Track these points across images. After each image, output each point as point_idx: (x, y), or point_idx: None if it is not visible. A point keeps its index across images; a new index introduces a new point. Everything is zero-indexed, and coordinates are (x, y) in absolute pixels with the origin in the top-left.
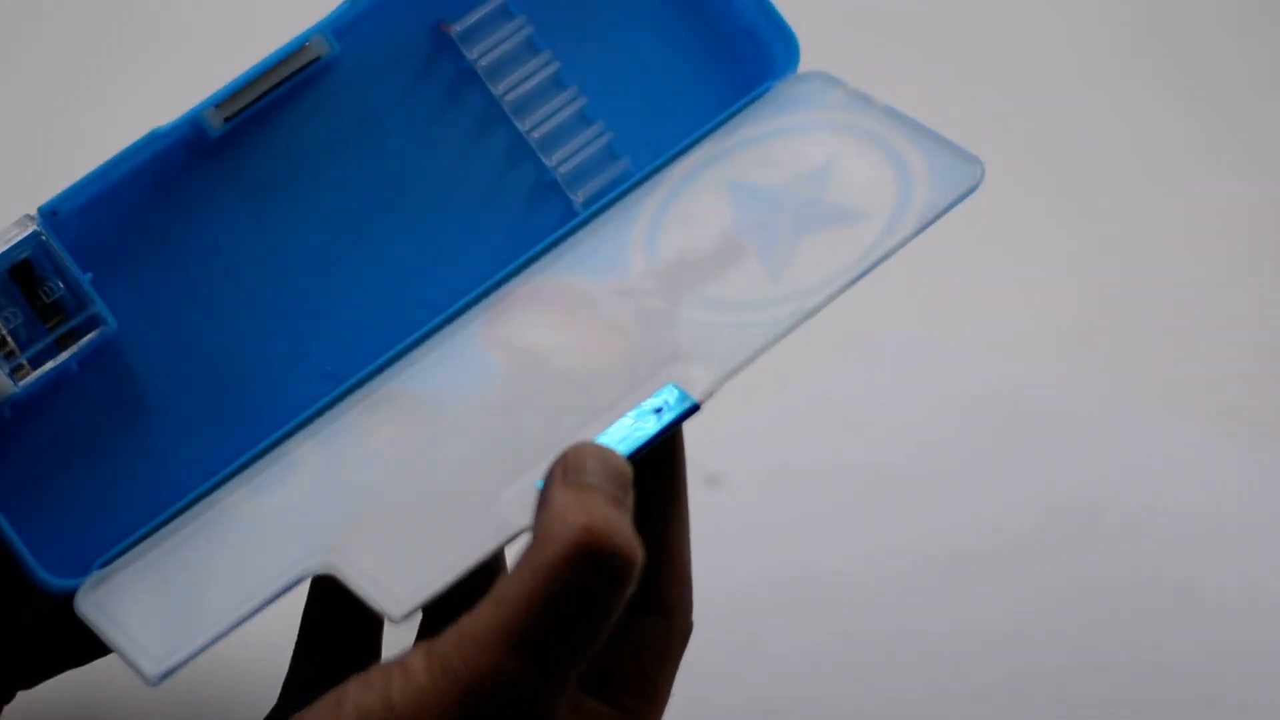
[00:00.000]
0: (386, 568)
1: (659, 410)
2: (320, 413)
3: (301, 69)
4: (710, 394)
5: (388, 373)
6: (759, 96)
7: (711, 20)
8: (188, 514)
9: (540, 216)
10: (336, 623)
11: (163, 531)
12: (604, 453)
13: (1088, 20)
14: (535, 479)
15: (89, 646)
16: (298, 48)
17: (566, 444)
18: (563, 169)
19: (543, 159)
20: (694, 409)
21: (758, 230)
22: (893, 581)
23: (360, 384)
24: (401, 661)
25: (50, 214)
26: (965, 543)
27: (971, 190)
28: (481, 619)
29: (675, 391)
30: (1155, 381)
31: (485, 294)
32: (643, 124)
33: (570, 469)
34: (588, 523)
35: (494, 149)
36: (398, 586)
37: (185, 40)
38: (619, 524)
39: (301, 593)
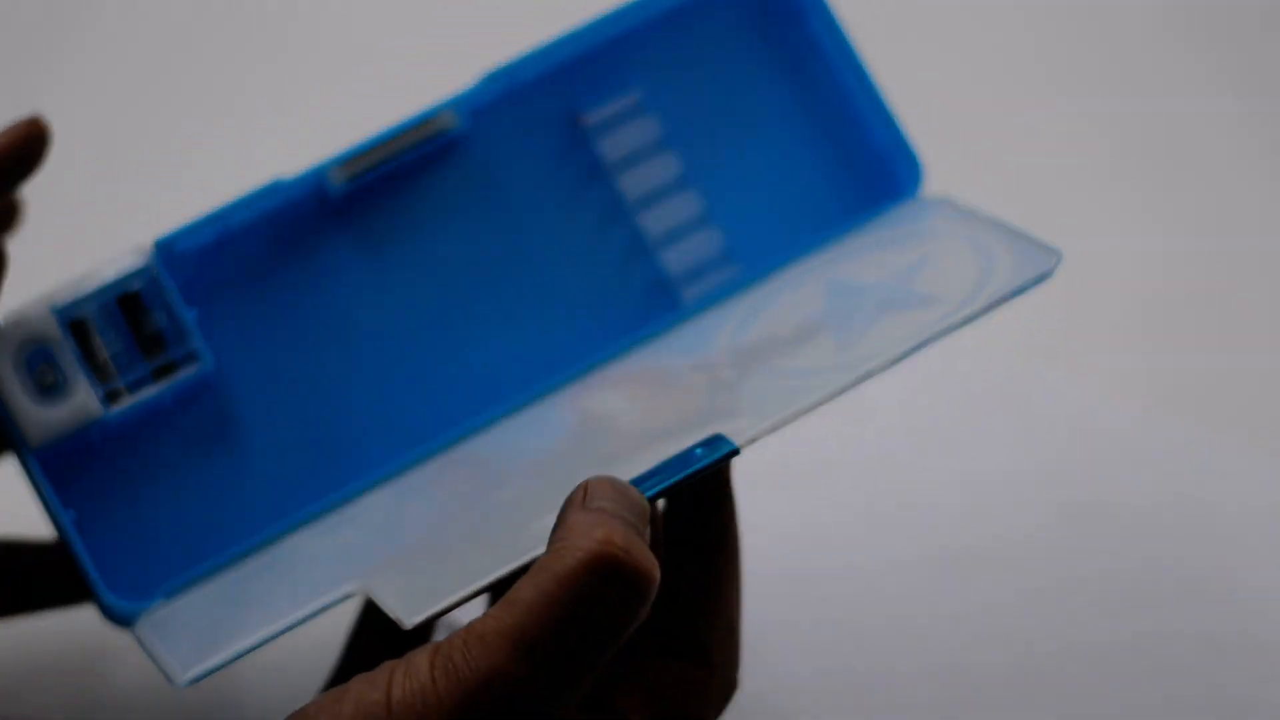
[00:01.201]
0: (411, 582)
1: (699, 450)
2: (398, 472)
3: (428, 139)
4: (751, 442)
5: (471, 441)
6: (878, 216)
7: (842, 137)
8: (258, 553)
9: (645, 310)
10: (383, 631)
11: (230, 566)
12: (622, 485)
13: (1109, 22)
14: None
15: (78, 588)
16: (426, 120)
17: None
18: (674, 268)
19: (656, 256)
20: (731, 454)
21: (840, 316)
22: (899, 581)
23: (442, 449)
24: (407, 659)
25: (165, 247)
26: (974, 543)
27: (1043, 278)
28: (490, 621)
29: (719, 438)
30: (1168, 383)
31: (577, 377)
32: (759, 230)
33: (589, 495)
34: (607, 536)
35: (611, 240)
36: (416, 597)
37: (318, 94)
38: (637, 542)
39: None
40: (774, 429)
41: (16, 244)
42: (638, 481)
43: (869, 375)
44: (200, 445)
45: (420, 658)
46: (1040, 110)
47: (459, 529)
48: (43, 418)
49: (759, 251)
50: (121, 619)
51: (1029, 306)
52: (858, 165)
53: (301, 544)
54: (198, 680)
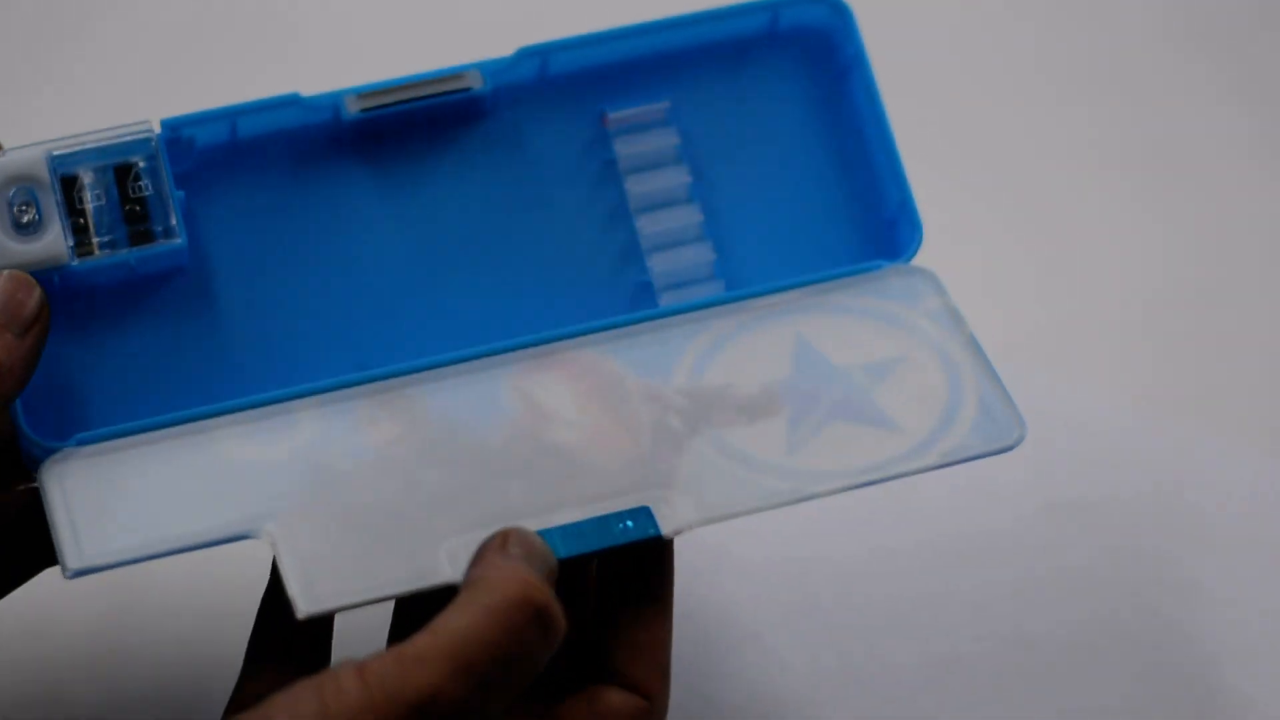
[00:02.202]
0: (318, 562)
1: (623, 525)
2: (340, 387)
3: (450, 91)
4: (677, 533)
5: (416, 377)
6: (868, 271)
7: (853, 185)
8: (178, 429)
9: (622, 304)
10: (283, 641)
11: (148, 435)
12: (538, 545)
13: (1108, 22)
14: (483, 540)
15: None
16: (451, 73)
17: (530, 520)
18: (660, 272)
19: (647, 258)
20: (655, 539)
21: (799, 397)
22: (891, 579)
23: (388, 377)
24: (329, 676)
25: (172, 128)
26: (967, 539)
27: (1003, 450)
28: (422, 645)
29: (647, 515)
30: (1166, 383)
31: (537, 344)
32: (750, 254)
33: (508, 544)
34: (530, 582)
35: (608, 236)
36: (317, 585)
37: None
38: (552, 594)
39: (251, 609)
40: (704, 524)
41: None
42: (558, 533)
43: (809, 499)
44: (157, 318)
45: (347, 677)
46: (1040, 110)
47: (381, 497)
48: (9, 249)
49: (746, 275)
50: (32, 455)
51: (1029, 306)
52: (861, 216)
53: (222, 439)
54: (86, 574)
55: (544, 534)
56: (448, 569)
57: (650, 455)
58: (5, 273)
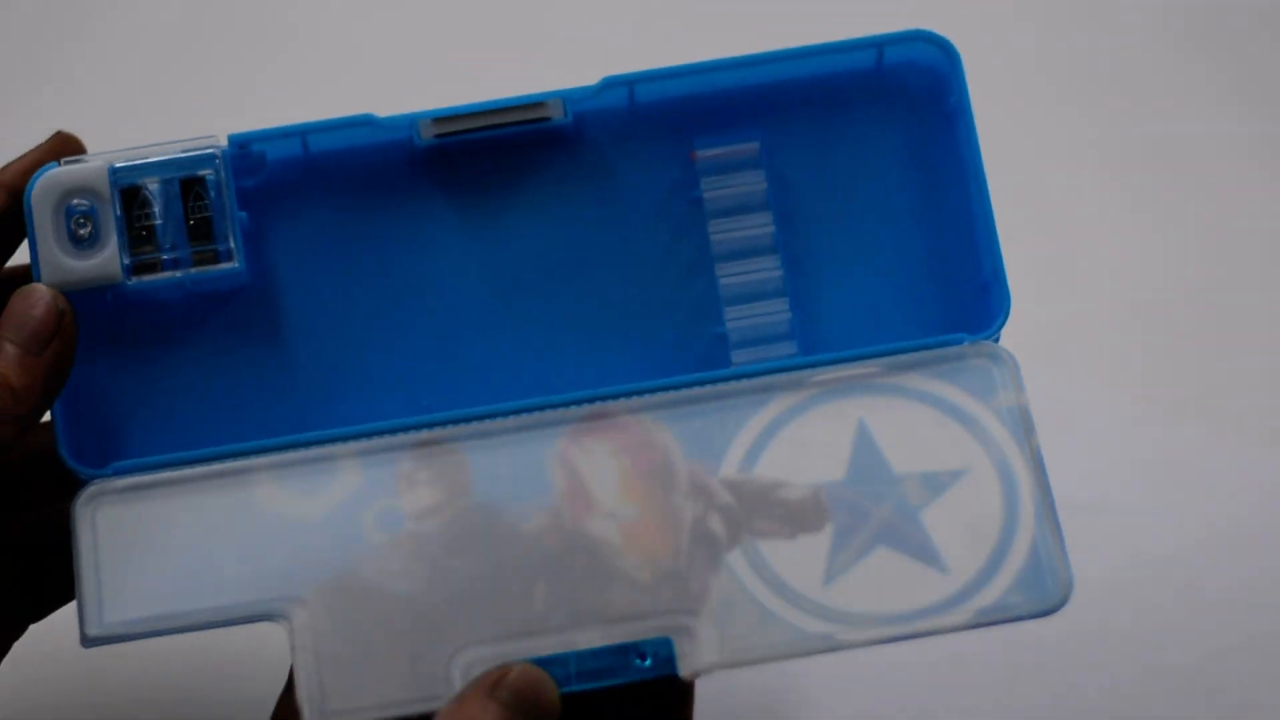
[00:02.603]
0: (331, 668)
1: (640, 658)
2: (388, 432)
3: (529, 121)
4: (696, 676)
5: (466, 429)
6: (948, 344)
7: (943, 244)
8: (217, 465)
9: (693, 360)
10: None
11: (185, 472)
12: (538, 690)
13: (1108, 22)
14: (495, 659)
15: None
16: (531, 102)
17: (549, 638)
18: (735, 328)
19: (723, 311)
20: (672, 678)
21: (849, 509)
22: None
23: (442, 424)
24: None
25: (239, 145)
26: None
27: (1043, 614)
28: None
29: (669, 650)
30: (1166, 383)
31: (597, 399)
32: (829, 316)
33: (501, 686)
34: None
35: (686, 285)
36: (328, 698)
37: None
38: None
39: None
40: (725, 668)
41: None
42: (574, 660)
43: (836, 650)
44: (212, 342)
45: None
46: (1041, 110)
47: (407, 585)
48: (62, 263)
49: (822, 334)
50: (77, 477)
51: (1028, 306)
52: (948, 278)
53: (264, 488)
54: (100, 644)
55: (559, 658)
56: (457, 687)
57: (685, 567)
58: (22, 288)
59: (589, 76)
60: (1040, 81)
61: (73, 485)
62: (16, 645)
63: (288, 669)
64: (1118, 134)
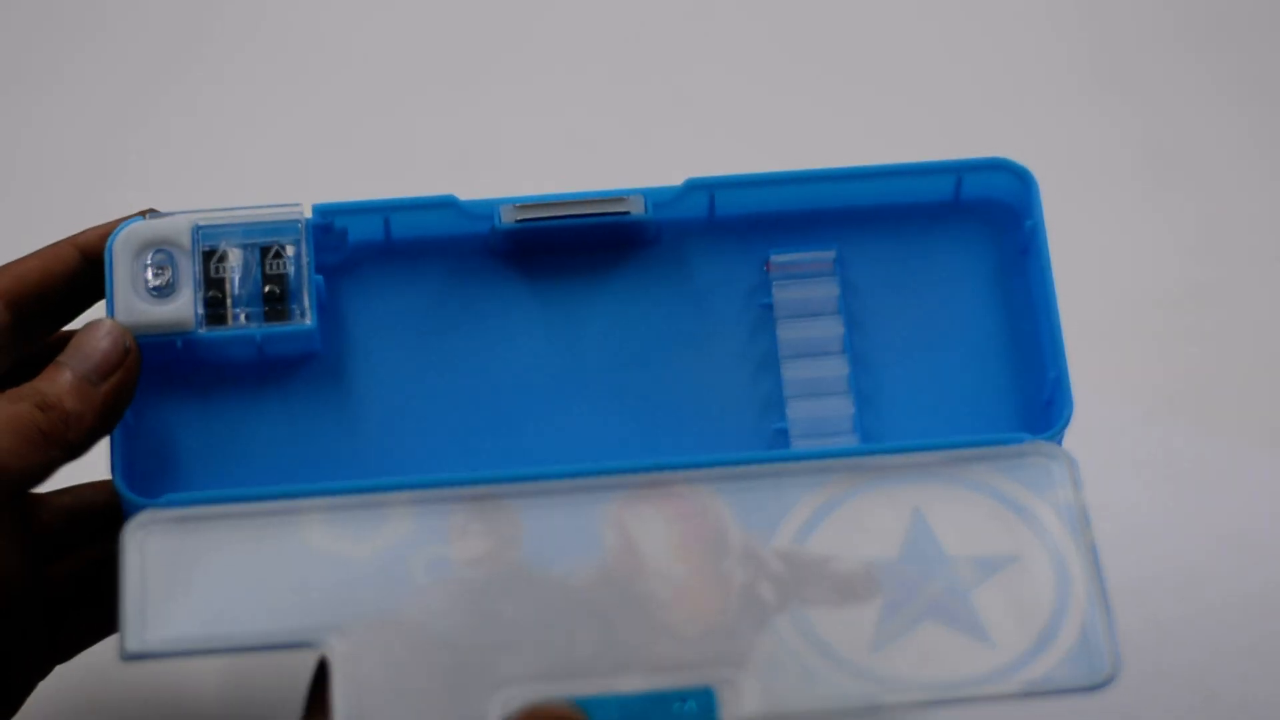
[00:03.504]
0: (370, 696)
1: (681, 706)
2: (442, 485)
3: (610, 214)
4: None
5: (520, 488)
6: (1007, 443)
7: (1011, 360)
8: (268, 504)
9: (753, 446)
10: None
11: (236, 506)
12: None
13: (1108, 22)
14: (534, 697)
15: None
16: (614, 196)
17: (591, 680)
18: (796, 420)
19: (785, 407)
20: None
21: (899, 585)
22: None
23: (499, 481)
24: None
25: (323, 214)
26: None
27: (1089, 690)
28: None
29: (709, 699)
30: (1159, 381)
31: (653, 470)
32: (893, 414)
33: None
34: None
35: (754, 377)
36: None
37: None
38: None
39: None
40: (765, 718)
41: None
42: (615, 705)
43: (879, 710)
44: (278, 396)
45: None
46: (1041, 111)
47: (450, 623)
48: (136, 306)
49: (884, 432)
50: (128, 507)
51: None
52: (1013, 392)
53: (313, 527)
54: (141, 660)
55: (600, 701)
56: None
57: (732, 626)
58: (92, 320)
59: (672, 177)
60: (1040, 81)
61: (107, 538)
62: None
63: (305, 692)
64: (1117, 134)
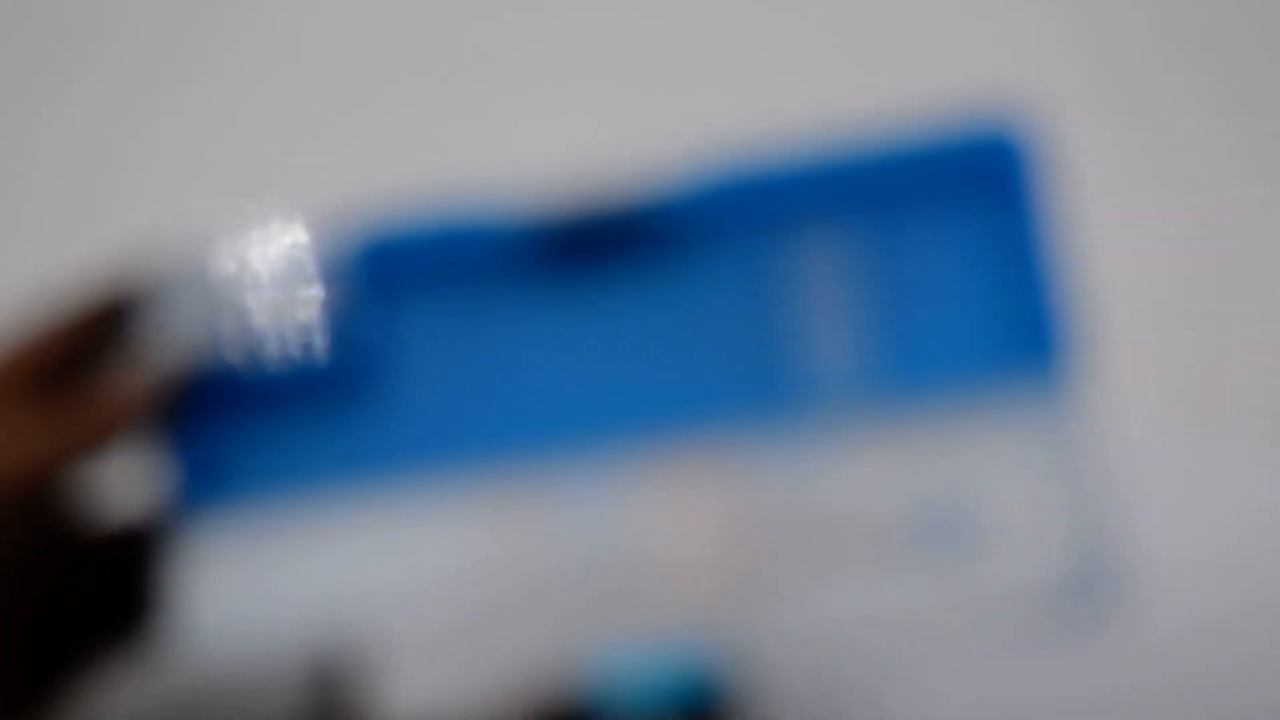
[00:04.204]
0: (406, 690)
1: (697, 665)
2: (471, 474)
3: (627, 208)
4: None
5: (550, 470)
6: (1018, 390)
7: (1019, 324)
8: (308, 508)
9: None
10: None
11: (278, 513)
12: None
13: (1108, 22)
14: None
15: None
16: (628, 188)
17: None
18: (810, 380)
19: (807, 369)
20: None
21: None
22: None
23: (523, 466)
24: None
25: (371, 257)
26: None
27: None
28: None
29: (729, 656)
30: (1159, 381)
31: (669, 433)
32: (901, 375)
33: None
34: None
35: (769, 349)
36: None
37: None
38: None
39: None
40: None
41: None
42: (628, 674)
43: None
44: (306, 400)
45: None
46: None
47: (468, 611)
48: (171, 346)
49: (893, 380)
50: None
51: None
52: (1023, 350)
53: (348, 529)
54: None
55: (621, 668)
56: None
57: (753, 587)
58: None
59: (674, 141)
60: (1039, 81)
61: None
62: None
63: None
64: (1116, 133)
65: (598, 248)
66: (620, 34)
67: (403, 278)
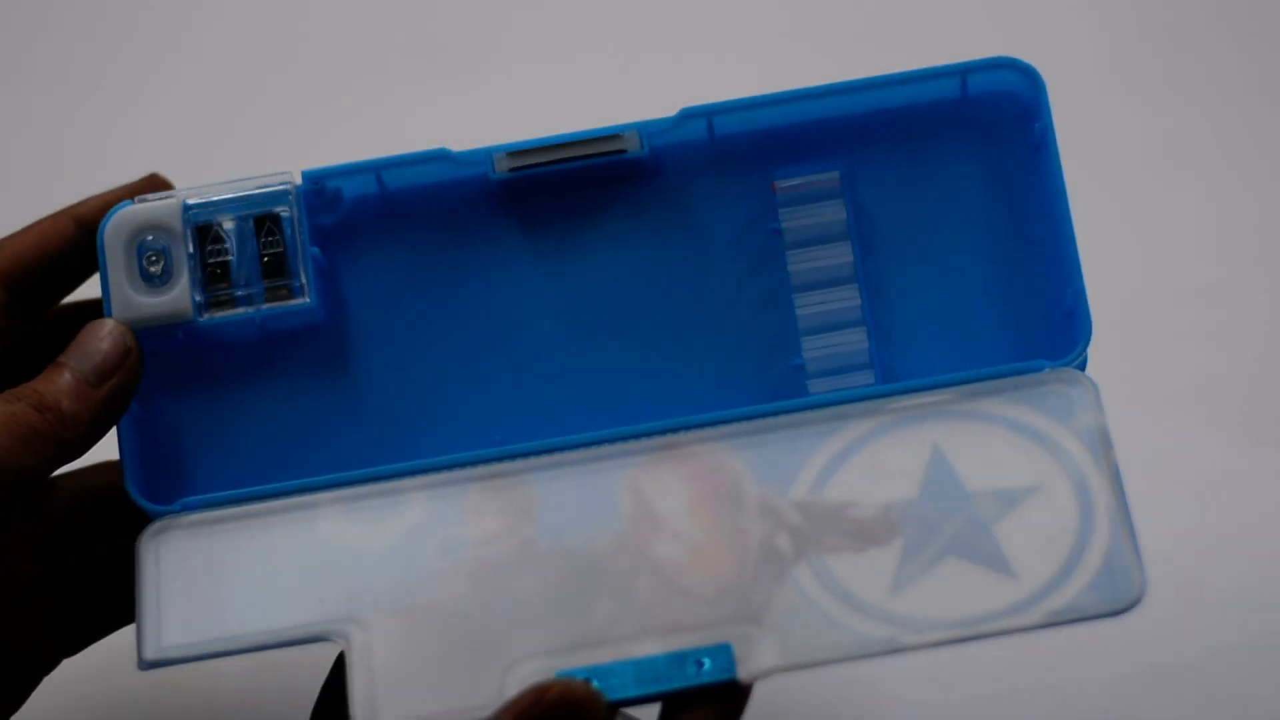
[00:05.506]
0: (386, 681)
1: (699, 665)
2: (458, 465)
3: (604, 154)
4: (754, 679)
5: (535, 461)
6: (1027, 373)
7: (1025, 274)
8: (285, 500)
9: (769, 386)
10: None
11: (253, 506)
12: (582, 705)
13: (1107, 22)
14: (550, 670)
15: (129, 606)
16: (606, 135)
17: (607, 649)
18: (812, 358)
19: (800, 343)
20: (729, 683)
21: (919, 525)
22: None
23: (512, 457)
24: None
25: (313, 181)
26: None
27: (1116, 614)
28: None
29: (727, 655)
30: (1159, 382)
31: (668, 431)
32: (907, 345)
33: (540, 703)
34: None
35: (765, 318)
36: (379, 712)
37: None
38: None
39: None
40: (784, 670)
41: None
42: (631, 668)
43: (901, 651)
44: (285, 378)
45: None
46: None
47: (466, 602)
48: (133, 300)
49: (901, 363)
50: (147, 515)
51: None
52: (1029, 308)
53: (330, 520)
54: (158, 666)
55: (616, 667)
56: (500, 699)
57: (750, 582)
58: (93, 321)
59: (668, 107)
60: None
61: (118, 526)
62: (73, 663)
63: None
64: (1112, 133)
65: (571, 200)
66: (609, 14)
67: (368, 235)
